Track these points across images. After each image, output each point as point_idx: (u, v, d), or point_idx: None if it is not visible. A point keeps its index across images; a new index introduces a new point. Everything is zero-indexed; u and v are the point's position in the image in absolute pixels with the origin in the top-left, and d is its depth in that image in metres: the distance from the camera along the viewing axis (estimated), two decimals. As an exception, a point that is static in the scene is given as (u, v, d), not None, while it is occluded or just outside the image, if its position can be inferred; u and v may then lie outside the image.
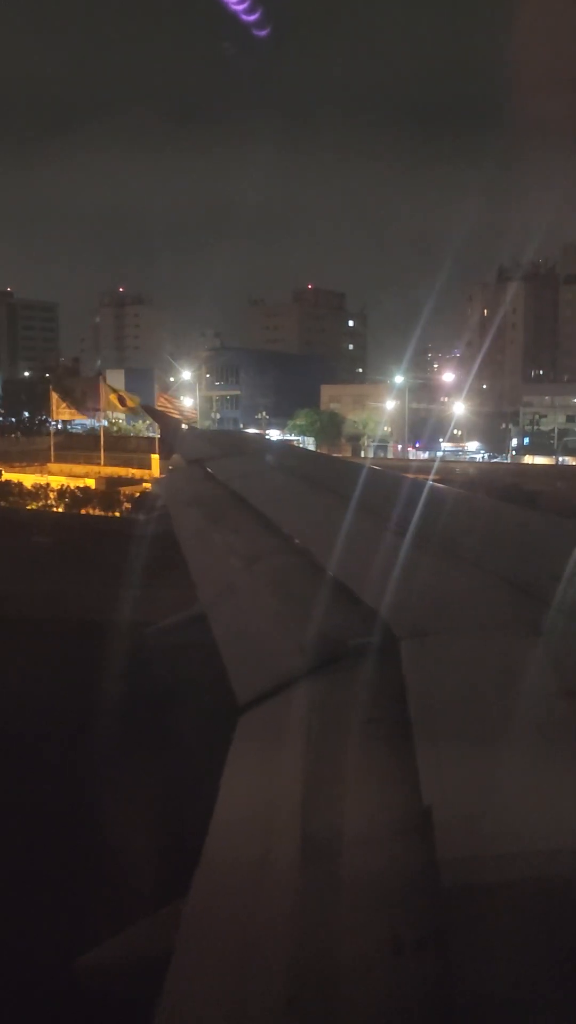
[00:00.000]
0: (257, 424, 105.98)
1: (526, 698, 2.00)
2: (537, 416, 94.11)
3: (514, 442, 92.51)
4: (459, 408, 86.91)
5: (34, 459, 57.91)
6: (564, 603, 2.63)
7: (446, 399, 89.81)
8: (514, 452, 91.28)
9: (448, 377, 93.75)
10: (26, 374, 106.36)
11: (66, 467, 52.14)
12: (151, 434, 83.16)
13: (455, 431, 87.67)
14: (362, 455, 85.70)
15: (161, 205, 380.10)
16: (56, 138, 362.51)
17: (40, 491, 37.67)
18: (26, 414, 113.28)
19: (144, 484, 36.47)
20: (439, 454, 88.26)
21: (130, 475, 45.32)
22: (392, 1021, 1.17)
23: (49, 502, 35.78)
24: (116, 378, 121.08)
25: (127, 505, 30.46)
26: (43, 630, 14.39)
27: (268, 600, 3.43)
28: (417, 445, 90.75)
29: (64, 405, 66.59)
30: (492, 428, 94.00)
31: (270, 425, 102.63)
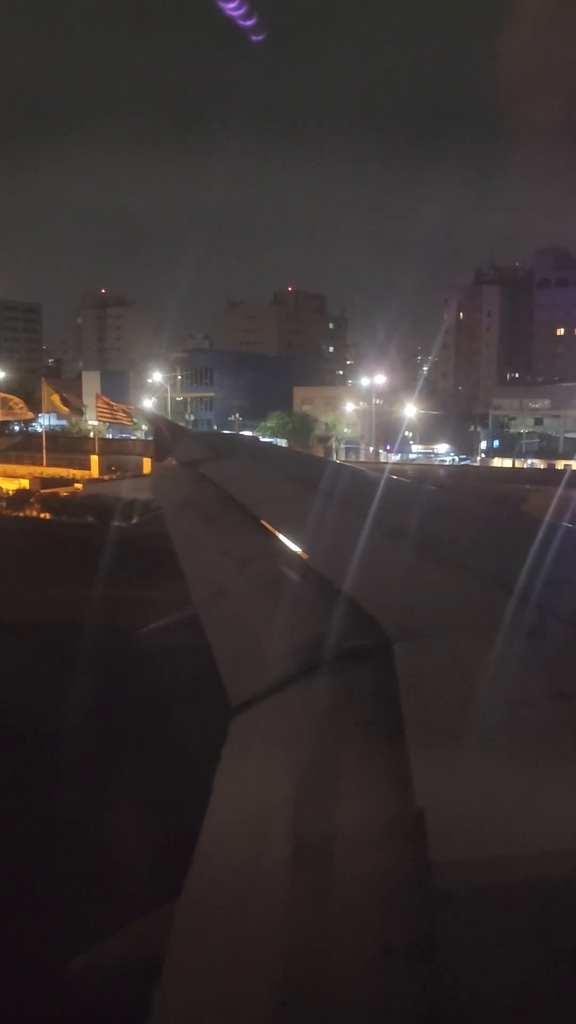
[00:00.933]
0: (230, 426, 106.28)
1: (518, 701, 2.01)
2: (506, 419, 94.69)
3: (483, 444, 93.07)
4: (410, 411, 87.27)
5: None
6: (555, 606, 2.66)
7: (380, 401, 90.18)
8: (483, 455, 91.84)
9: (379, 380, 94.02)
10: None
11: (10, 468, 52.27)
12: (109, 436, 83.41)
13: (407, 433, 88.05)
14: (332, 458, 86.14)
15: (145, 207, 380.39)
16: (41, 140, 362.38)
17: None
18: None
19: (76, 485, 36.82)
20: (411, 456, 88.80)
21: (71, 476, 45.55)
22: (383, 1022, 1.17)
23: None
24: (92, 380, 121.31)
25: (38, 506, 30.93)
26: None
27: (261, 602, 3.44)
28: (388, 447, 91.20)
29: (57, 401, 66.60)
30: (462, 430, 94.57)
31: (243, 427, 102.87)
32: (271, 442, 50.22)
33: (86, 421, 69.11)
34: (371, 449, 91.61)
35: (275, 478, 6.85)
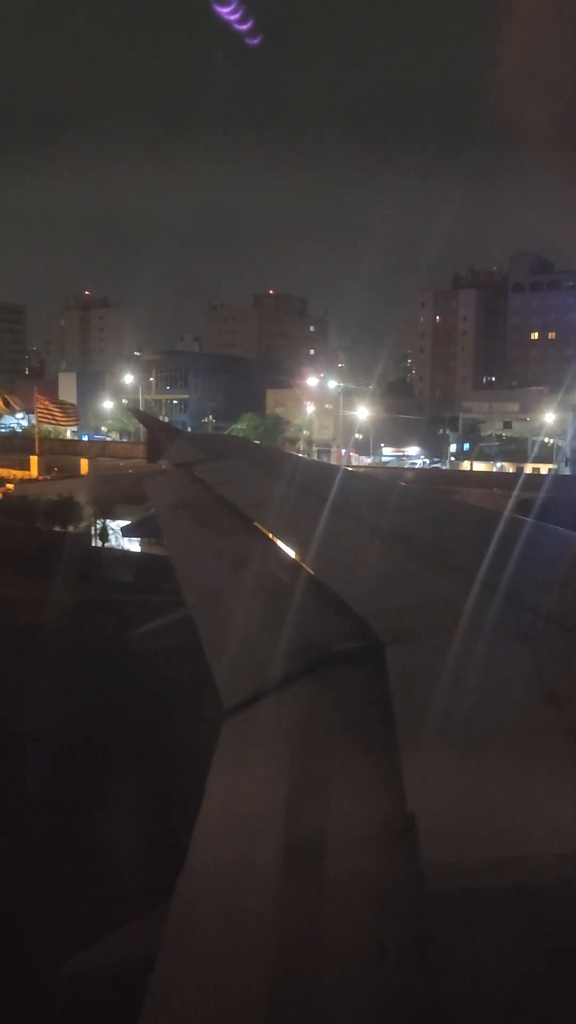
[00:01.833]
0: (204, 428, 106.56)
1: (510, 704, 2.03)
2: (477, 422, 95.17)
3: (453, 447, 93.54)
4: (363, 413, 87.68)
5: None
6: (548, 609, 2.67)
7: (329, 405, 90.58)
8: (453, 458, 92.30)
9: (312, 382, 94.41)
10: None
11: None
12: (71, 436, 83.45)
13: (357, 436, 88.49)
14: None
15: (130, 210, 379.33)
16: (26, 143, 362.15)
17: None
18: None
19: (7, 485, 37.07)
20: (383, 460, 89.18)
21: (10, 475, 45.77)
22: None
23: None
24: (69, 381, 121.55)
25: None
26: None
27: (254, 604, 3.44)
28: (358, 450, 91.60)
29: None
30: (432, 434, 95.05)
31: (216, 428, 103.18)
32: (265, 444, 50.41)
33: (33, 423, 69.18)
34: (343, 452, 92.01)
35: (268, 480, 6.86)
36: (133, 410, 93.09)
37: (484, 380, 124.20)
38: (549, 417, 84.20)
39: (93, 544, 33.19)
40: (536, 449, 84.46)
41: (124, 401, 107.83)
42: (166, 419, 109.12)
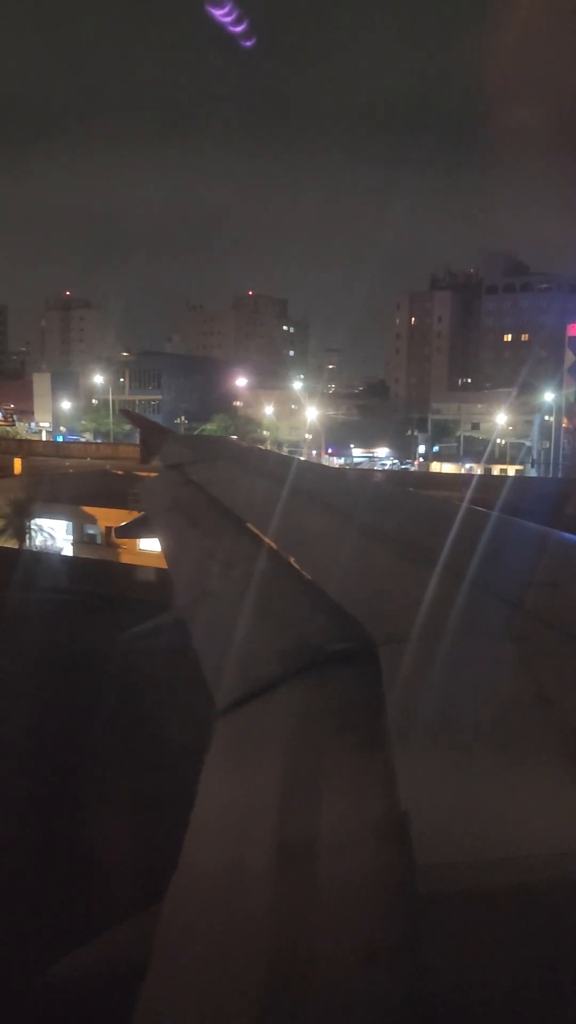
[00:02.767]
0: (176, 428, 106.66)
1: (502, 704, 2.02)
2: (448, 423, 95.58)
3: (422, 448, 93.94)
4: (312, 413, 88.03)
5: None
6: (540, 609, 2.67)
7: (240, 403, 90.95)
8: (422, 459, 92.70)
9: (240, 382, 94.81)
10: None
11: None
12: (60, 438, 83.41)
13: (307, 435, 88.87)
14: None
15: (113, 211, 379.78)
16: (6, 142, 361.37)
17: None
18: None
19: None
20: (354, 460, 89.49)
21: None
22: None
23: None
24: (43, 381, 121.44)
25: None
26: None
27: (246, 605, 3.42)
28: (330, 451, 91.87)
29: None
30: (402, 434, 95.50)
31: (188, 429, 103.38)
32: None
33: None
34: (314, 453, 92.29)
35: (261, 481, 6.84)
36: (124, 411, 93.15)
37: (459, 382, 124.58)
38: (501, 419, 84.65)
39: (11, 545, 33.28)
40: (495, 449, 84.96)
41: (94, 401, 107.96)
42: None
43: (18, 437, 72.59)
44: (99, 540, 38.83)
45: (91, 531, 39.35)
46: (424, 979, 1.20)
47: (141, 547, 37.86)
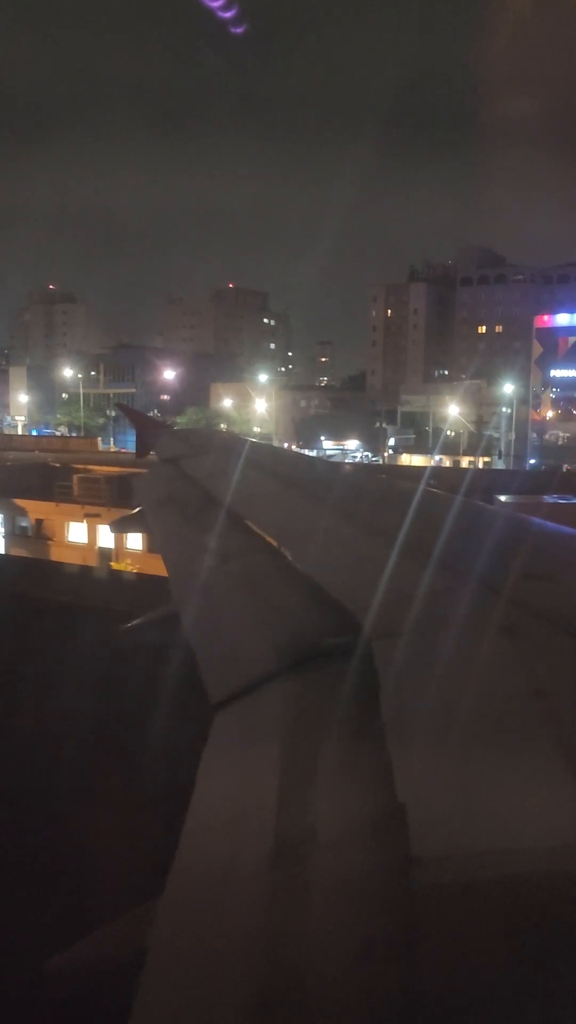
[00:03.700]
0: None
1: (498, 697, 2.06)
2: (418, 414, 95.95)
3: (392, 441, 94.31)
4: (261, 406, 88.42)
5: None
6: (535, 603, 2.70)
7: (167, 397, 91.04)
8: (391, 451, 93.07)
9: (169, 375, 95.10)
10: None
11: None
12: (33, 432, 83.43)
13: (257, 429, 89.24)
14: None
15: (98, 205, 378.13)
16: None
17: None
18: None
19: None
20: (325, 453, 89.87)
21: None
22: (364, 1022, 1.18)
23: None
24: (19, 375, 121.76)
25: None
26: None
27: (241, 599, 3.47)
28: (301, 443, 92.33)
29: None
30: (371, 426, 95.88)
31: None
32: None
33: None
34: (286, 445, 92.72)
35: (256, 474, 6.74)
36: (120, 405, 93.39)
37: (436, 373, 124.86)
38: (454, 410, 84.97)
39: None
40: (465, 441, 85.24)
41: (64, 396, 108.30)
42: (112, 413, 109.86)
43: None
44: (30, 533, 39.29)
45: (23, 524, 39.81)
46: (421, 972, 1.20)
47: (70, 540, 38.39)
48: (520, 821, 1.50)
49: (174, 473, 7.04)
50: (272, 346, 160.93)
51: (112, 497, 35.30)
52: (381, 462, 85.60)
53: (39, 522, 38.88)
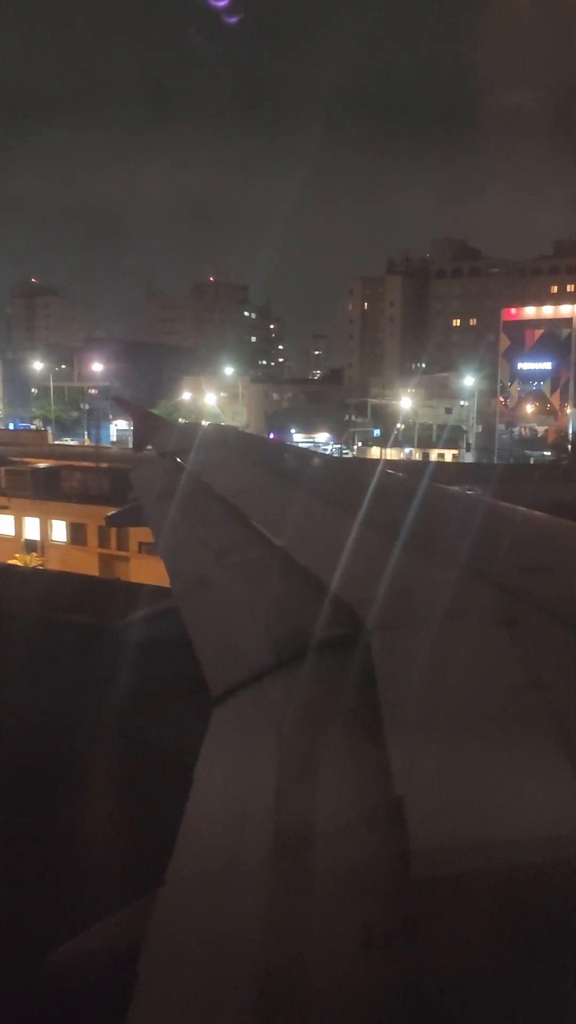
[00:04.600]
0: (123, 414, 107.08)
1: (496, 690, 2.03)
2: (385, 407, 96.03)
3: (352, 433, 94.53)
4: (210, 399, 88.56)
5: None
6: (532, 595, 2.68)
7: (95, 391, 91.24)
8: (360, 444, 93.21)
9: (97, 367, 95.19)
10: None
11: None
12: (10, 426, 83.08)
13: (244, 420, 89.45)
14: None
15: (81, 198, 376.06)
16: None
17: None
18: None
19: None
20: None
21: None
22: (363, 1012, 1.18)
23: None
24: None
25: None
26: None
27: (240, 592, 3.45)
28: (272, 436, 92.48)
29: None
30: (340, 419, 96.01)
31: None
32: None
33: None
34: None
35: (254, 468, 6.84)
36: (116, 399, 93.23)
37: (413, 366, 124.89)
38: (407, 403, 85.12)
39: None
40: (431, 433, 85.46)
41: (34, 390, 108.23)
42: (86, 407, 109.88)
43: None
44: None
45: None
46: (420, 962, 1.19)
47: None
48: (517, 812, 1.49)
49: (172, 466, 7.06)
50: (253, 339, 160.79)
51: (37, 490, 35.45)
52: (351, 455, 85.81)
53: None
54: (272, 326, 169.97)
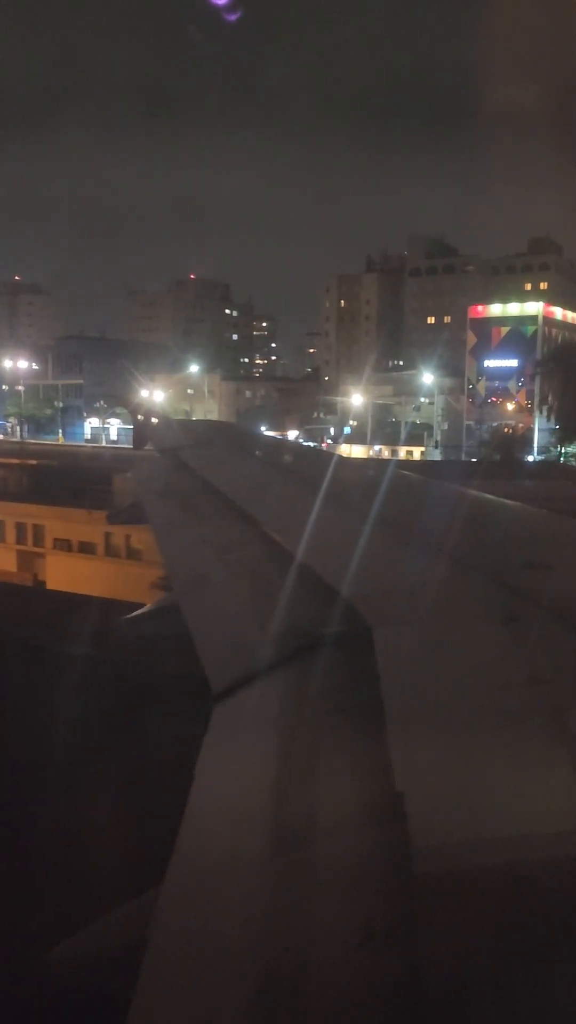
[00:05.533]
0: (97, 412, 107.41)
1: (497, 686, 2.03)
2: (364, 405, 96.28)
3: (331, 431, 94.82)
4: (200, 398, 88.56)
5: None
6: (532, 591, 2.69)
7: (21, 387, 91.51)
8: (330, 441, 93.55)
9: (21, 364, 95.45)
10: None
11: None
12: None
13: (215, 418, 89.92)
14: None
15: (67, 195, 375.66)
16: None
17: None
18: None
19: None
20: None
21: None
22: (363, 1009, 1.17)
23: None
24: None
25: None
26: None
27: (241, 589, 3.46)
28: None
29: None
30: (308, 417, 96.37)
31: (109, 414, 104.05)
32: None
33: None
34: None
35: (255, 465, 6.88)
36: (115, 396, 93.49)
37: (390, 363, 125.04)
38: (359, 400, 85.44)
39: None
40: (400, 431, 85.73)
41: (4, 388, 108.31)
42: (60, 404, 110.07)
43: None
44: None
45: None
46: (421, 959, 1.20)
47: None
48: (517, 808, 1.50)
49: (173, 463, 7.06)
50: (235, 336, 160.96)
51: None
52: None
53: None
54: (257, 324, 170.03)
